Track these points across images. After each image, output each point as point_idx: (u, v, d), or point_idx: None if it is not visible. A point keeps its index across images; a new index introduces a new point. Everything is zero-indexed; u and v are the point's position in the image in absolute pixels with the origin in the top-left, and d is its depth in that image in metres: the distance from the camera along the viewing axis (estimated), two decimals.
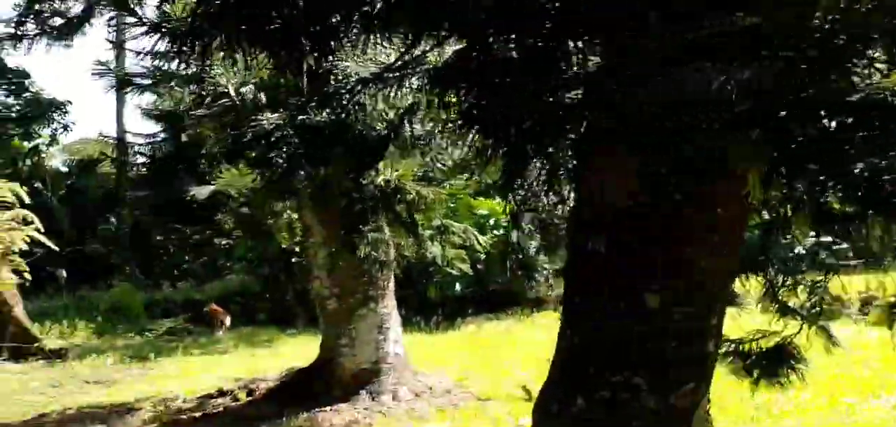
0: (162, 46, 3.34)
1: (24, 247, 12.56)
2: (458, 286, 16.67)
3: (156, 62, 7.26)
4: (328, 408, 7.70)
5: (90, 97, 70.35)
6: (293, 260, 17.01)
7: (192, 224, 29.09)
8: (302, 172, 4.52)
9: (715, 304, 3.38)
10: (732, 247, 3.37)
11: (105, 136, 24.78)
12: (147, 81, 8.36)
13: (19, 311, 12.70)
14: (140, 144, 21.47)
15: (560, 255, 4.44)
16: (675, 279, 3.23)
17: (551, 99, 2.86)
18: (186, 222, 29.23)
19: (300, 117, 4.11)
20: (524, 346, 12.03)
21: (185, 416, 7.88)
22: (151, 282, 23.99)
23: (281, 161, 4.19)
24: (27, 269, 12.72)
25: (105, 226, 26.56)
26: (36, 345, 12.53)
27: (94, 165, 27.12)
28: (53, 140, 26.72)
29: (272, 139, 4.10)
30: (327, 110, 4.10)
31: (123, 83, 8.89)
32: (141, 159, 21.85)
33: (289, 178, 4.41)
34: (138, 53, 6.36)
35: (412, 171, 7.47)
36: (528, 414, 7.22)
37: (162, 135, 19.58)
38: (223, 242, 28.85)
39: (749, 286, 4.12)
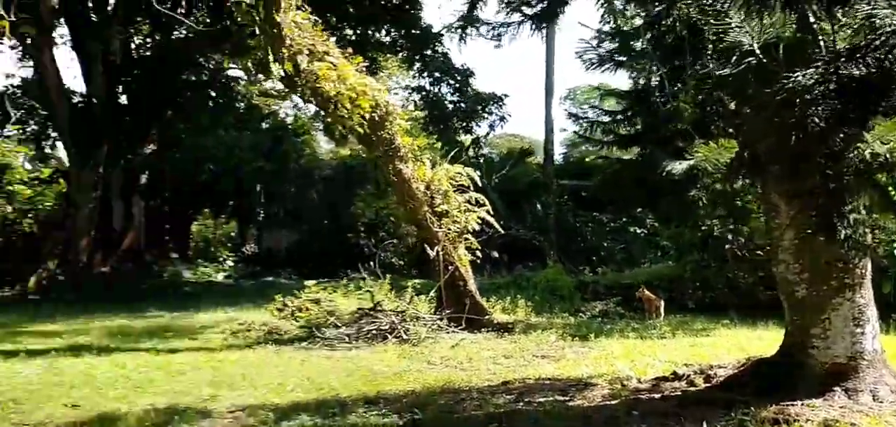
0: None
1: (476, 228, 13.68)
2: None
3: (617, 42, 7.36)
4: (799, 402, 7.05)
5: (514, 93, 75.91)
6: (726, 247, 16.35)
7: (603, 212, 29.92)
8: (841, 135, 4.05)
9: None
10: None
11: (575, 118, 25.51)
12: (622, 58, 8.48)
13: (472, 286, 13.85)
14: (604, 123, 22.07)
15: None
16: None
17: None
18: (602, 210, 30.12)
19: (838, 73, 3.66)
20: None
21: (644, 396, 7.80)
22: (572, 266, 24.85)
23: (817, 122, 3.75)
24: (479, 247, 13.83)
25: (532, 212, 28.16)
26: (486, 318, 13.53)
27: (526, 156, 29.04)
28: (490, 132, 29.03)
29: (809, 97, 3.69)
30: (860, 64, 3.61)
31: (602, 60, 9.13)
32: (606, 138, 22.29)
33: (825, 142, 3.97)
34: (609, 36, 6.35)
35: None
36: None
37: (628, 112, 19.99)
38: (639, 230, 29.11)
39: None
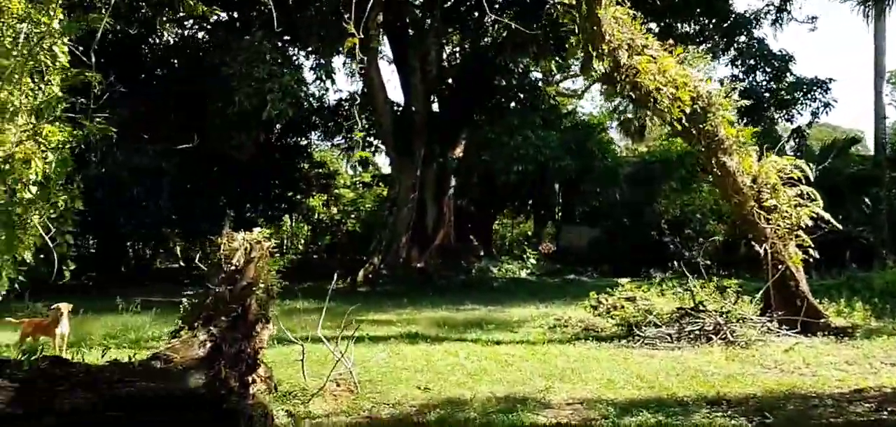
0: None
1: (809, 224, 12.73)
2: None
3: None
4: None
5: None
6: None
7: None
8: None
9: None
10: None
11: None
12: None
13: (804, 286, 12.88)
14: None
15: None
16: None
17: None
18: None
19: None
20: None
21: None
22: None
23: None
24: (812, 245, 12.84)
25: (857, 206, 25.80)
26: (821, 321, 12.52)
27: (851, 145, 26.60)
28: (813, 119, 26.81)
29: None
30: None
31: None
32: None
33: None
34: None
35: None
36: None
37: None
38: None
39: None
